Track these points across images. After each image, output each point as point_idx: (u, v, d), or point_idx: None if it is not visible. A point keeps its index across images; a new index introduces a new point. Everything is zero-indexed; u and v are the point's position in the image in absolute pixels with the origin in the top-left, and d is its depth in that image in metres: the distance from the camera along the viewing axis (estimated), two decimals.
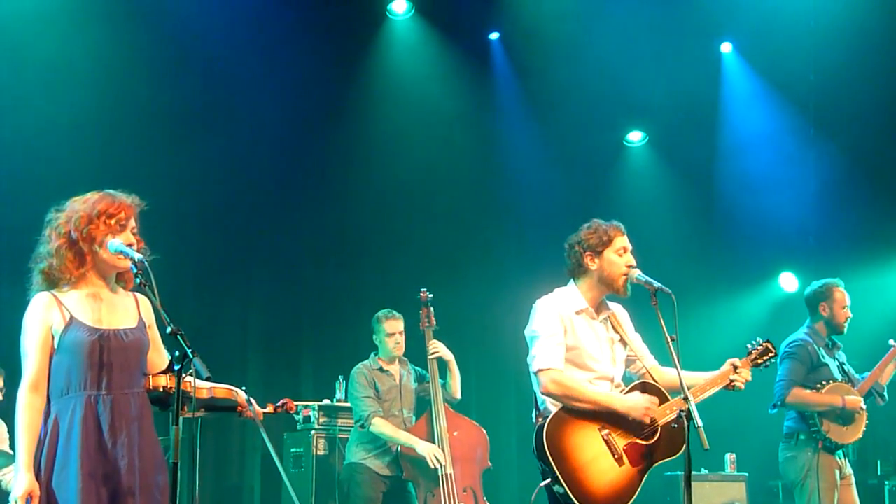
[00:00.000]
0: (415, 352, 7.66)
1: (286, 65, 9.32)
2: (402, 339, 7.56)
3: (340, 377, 8.44)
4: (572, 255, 5.15)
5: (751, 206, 10.53)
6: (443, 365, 7.47)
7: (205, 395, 4.40)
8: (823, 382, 6.86)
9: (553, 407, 4.94)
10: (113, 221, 4.18)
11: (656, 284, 4.91)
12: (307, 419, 8.27)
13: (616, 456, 4.85)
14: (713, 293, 10.41)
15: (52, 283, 4.18)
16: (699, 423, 4.62)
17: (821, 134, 10.08)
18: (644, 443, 4.91)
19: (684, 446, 4.84)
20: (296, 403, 8.35)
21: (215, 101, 9.08)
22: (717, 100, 10.66)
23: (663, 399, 5.01)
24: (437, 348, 7.43)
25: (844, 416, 6.81)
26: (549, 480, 4.80)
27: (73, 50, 8.25)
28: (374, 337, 7.61)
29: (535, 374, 4.96)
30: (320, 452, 8.16)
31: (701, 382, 5.09)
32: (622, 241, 5.11)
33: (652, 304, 4.89)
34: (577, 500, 4.70)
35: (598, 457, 4.82)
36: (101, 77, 8.29)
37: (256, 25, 9.15)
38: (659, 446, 4.93)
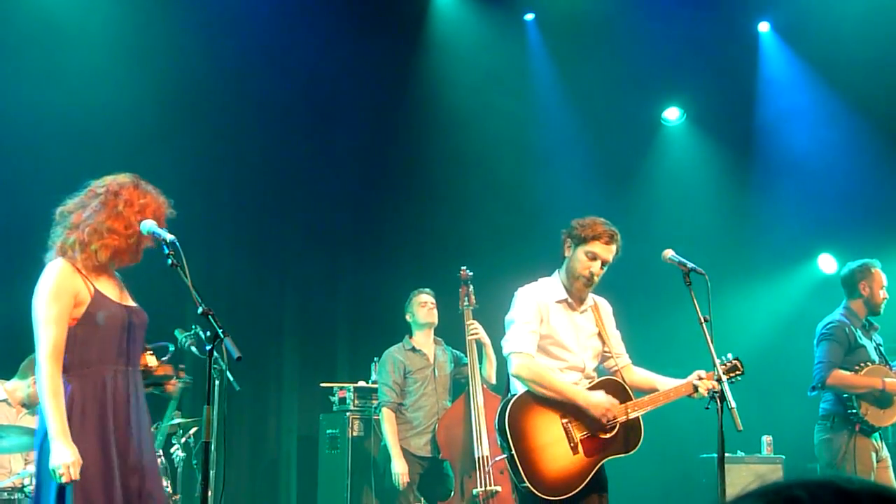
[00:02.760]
0: (454, 333, 7.65)
1: (328, 49, 9.33)
2: (433, 308, 7.59)
3: (375, 358, 8.46)
4: (562, 237, 5.22)
5: (788, 186, 10.44)
6: (480, 347, 7.46)
7: (160, 372, 4.51)
8: (861, 364, 6.78)
9: (520, 388, 5.06)
10: (153, 216, 4.28)
11: (690, 265, 4.92)
12: (343, 401, 8.30)
13: (572, 444, 4.97)
14: (750, 274, 10.32)
15: (79, 252, 4.19)
16: (732, 403, 4.62)
17: (861, 113, 9.95)
18: (601, 436, 5.01)
19: (639, 443, 5.06)
20: (331, 385, 8.46)
21: (255, 79, 9.13)
22: (755, 80, 10.55)
23: (626, 398, 5.11)
24: (477, 330, 7.41)
25: (883, 399, 6.73)
26: (504, 456, 4.95)
27: (119, 34, 8.32)
28: (408, 316, 7.66)
29: (508, 356, 5.09)
30: (356, 434, 8.17)
31: (667, 388, 5.17)
32: (599, 248, 5.09)
33: (685, 284, 4.89)
34: (527, 479, 4.84)
35: (554, 442, 4.96)
36: (147, 57, 8.36)
37: (301, 14, 9.19)
38: (614, 442, 5.05)
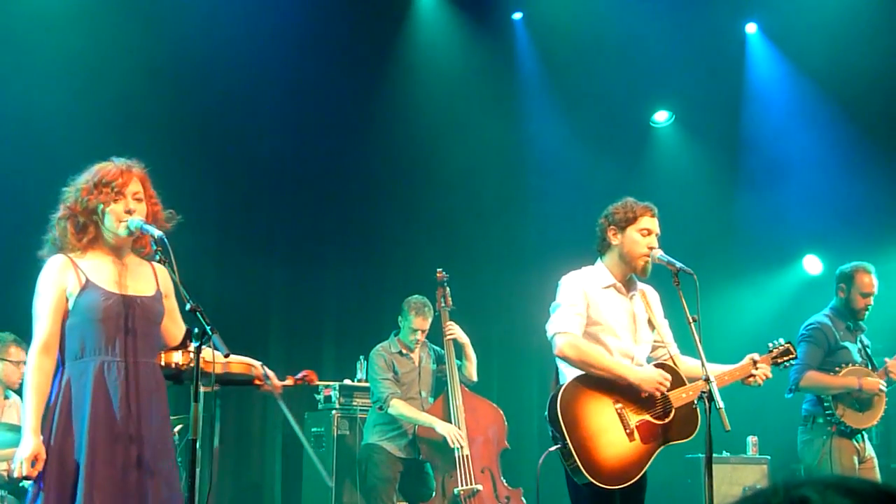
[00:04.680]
0: (433, 334, 7.63)
1: (312, 49, 9.30)
2: (423, 336, 7.52)
3: (361, 357, 8.45)
4: (599, 228, 5.16)
5: (775, 187, 10.46)
6: (459, 347, 7.45)
7: (219, 369, 4.34)
8: (842, 365, 6.76)
9: (570, 375, 4.94)
10: (110, 189, 4.15)
11: (678, 264, 4.90)
12: (328, 399, 8.29)
13: (627, 430, 4.85)
14: (737, 275, 10.35)
15: (61, 251, 4.17)
16: (720, 404, 4.61)
17: (847, 114, 9.98)
18: (657, 422, 4.90)
19: (696, 431, 4.92)
20: (318, 381, 8.39)
21: (240, 80, 9.08)
22: (742, 81, 10.57)
23: (679, 382, 4.99)
24: (453, 330, 7.40)
25: (862, 400, 6.71)
26: (559, 446, 4.82)
27: (105, 31, 8.28)
28: (400, 319, 7.57)
29: (552, 338, 4.96)
30: (340, 432, 8.17)
31: (719, 372, 5.03)
32: (648, 221, 5.08)
33: (674, 284, 4.88)
34: (584, 468, 4.73)
35: (609, 428, 4.84)
36: (128, 55, 8.32)
37: (282, 10, 9.15)
38: (672, 427, 4.93)
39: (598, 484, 4.73)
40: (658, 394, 4.86)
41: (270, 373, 4.61)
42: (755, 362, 5.11)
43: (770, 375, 5.15)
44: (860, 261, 7.03)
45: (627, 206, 5.09)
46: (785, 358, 5.30)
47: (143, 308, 4.18)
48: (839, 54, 9.61)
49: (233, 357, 4.43)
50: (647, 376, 4.88)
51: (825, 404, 6.73)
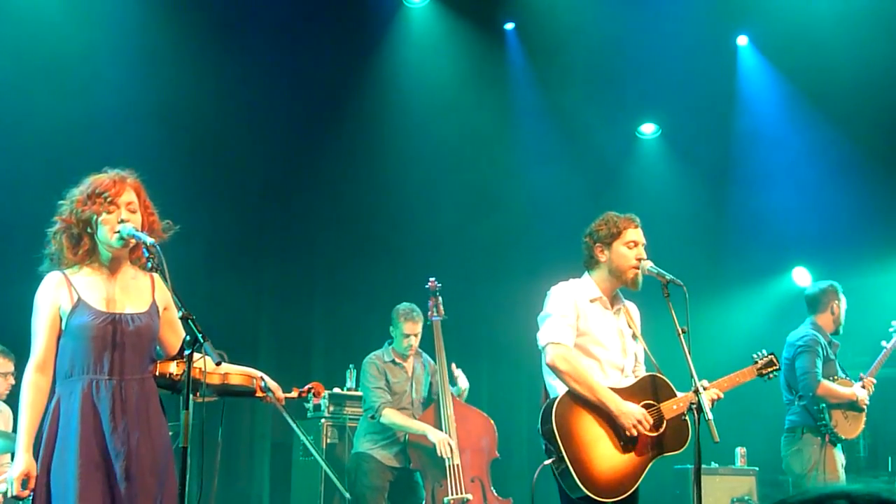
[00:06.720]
0: (424, 343, 7.63)
1: (300, 51, 9.30)
2: (416, 340, 7.50)
3: (351, 366, 8.44)
4: (585, 247, 5.17)
5: (764, 199, 10.50)
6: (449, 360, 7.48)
7: (217, 380, 4.32)
8: (834, 378, 6.92)
9: (560, 389, 4.93)
10: (103, 199, 4.13)
11: (668, 276, 4.92)
12: (317, 407, 8.28)
13: (621, 443, 4.85)
14: (726, 287, 10.38)
15: (58, 265, 4.17)
16: (709, 415, 4.63)
17: (837, 128, 10.02)
18: (649, 434, 4.90)
19: (688, 441, 4.91)
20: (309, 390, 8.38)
21: (229, 86, 9.08)
22: (733, 93, 10.60)
23: (670, 394, 5.01)
24: (458, 375, 7.48)
25: (853, 411, 6.85)
26: (553, 459, 4.82)
27: (91, 35, 8.29)
28: (391, 329, 7.56)
29: (544, 347, 4.95)
30: (330, 441, 8.16)
31: (724, 377, 5.12)
32: (633, 233, 5.10)
33: (664, 295, 4.90)
34: (579, 480, 4.72)
35: (602, 441, 4.84)
36: (114, 65, 8.32)
37: (271, 9, 9.14)
38: (665, 438, 4.93)
39: (594, 497, 4.72)
40: (633, 432, 4.83)
41: (273, 384, 4.56)
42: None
43: (695, 400, 5.06)
44: (829, 280, 7.34)
45: (610, 221, 5.10)
46: (769, 369, 5.34)
47: (134, 325, 4.15)
48: (830, 68, 9.64)
49: (233, 368, 4.40)
50: (629, 411, 4.85)
51: (819, 416, 6.81)
